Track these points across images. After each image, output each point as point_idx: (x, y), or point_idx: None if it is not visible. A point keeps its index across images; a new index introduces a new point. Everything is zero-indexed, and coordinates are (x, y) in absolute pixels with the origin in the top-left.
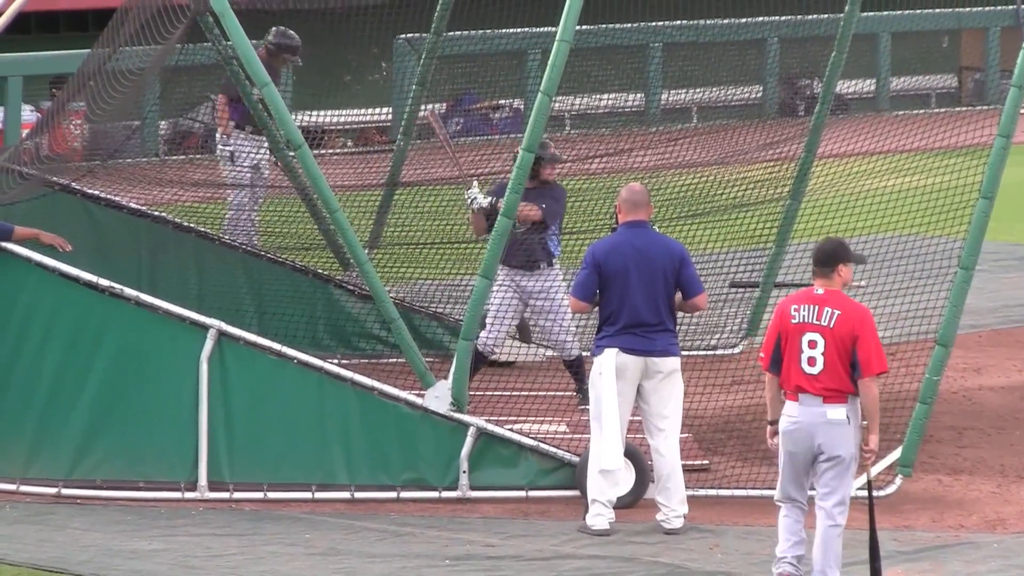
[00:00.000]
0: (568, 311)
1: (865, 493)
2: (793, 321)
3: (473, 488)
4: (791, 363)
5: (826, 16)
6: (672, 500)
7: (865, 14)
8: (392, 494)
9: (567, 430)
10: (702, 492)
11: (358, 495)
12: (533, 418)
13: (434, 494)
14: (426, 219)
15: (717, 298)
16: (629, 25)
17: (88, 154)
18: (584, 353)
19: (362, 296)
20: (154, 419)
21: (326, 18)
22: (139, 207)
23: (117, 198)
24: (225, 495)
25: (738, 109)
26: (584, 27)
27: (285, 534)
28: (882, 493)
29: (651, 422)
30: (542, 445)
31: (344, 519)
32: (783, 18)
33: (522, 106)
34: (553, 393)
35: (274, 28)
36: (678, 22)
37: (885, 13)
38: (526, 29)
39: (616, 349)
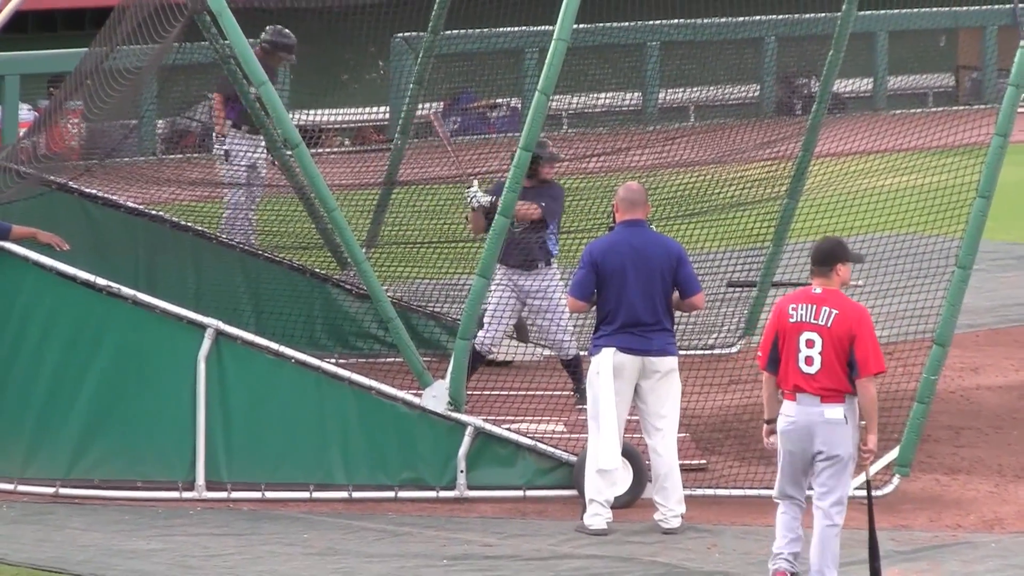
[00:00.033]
0: (566, 310)
1: (863, 493)
2: (791, 320)
3: (471, 488)
4: (789, 362)
5: (823, 15)
6: (670, 500)
7: (862, 13)
8: (390, 494)
9: (565, 430)
10: (700, 492)
11: (356, 495)
12: (531, 418)
13: (432, 494)
14: (423, 218)
15: (714, 297)
16: (626, 24)
17: (85, 153)
18: (582, 352)
19: (360, 295)
20: (152, 419)
21: (323, 17)
22: (137, 206)
23: (114, 197)
24: (223, 495)
25: (735, 108)
26: (581, 26)
27: (283, 534)
28: (880, 493)
29: (648, 422)
30: (540, 445)
31: (342, 519)
32: (780, 17)
33: (519, 105)
34: (551, 393)
35: (269, 27)
36: (675, 21)
37: (882, 12)
38: (523, 28)
39: (613, 348)
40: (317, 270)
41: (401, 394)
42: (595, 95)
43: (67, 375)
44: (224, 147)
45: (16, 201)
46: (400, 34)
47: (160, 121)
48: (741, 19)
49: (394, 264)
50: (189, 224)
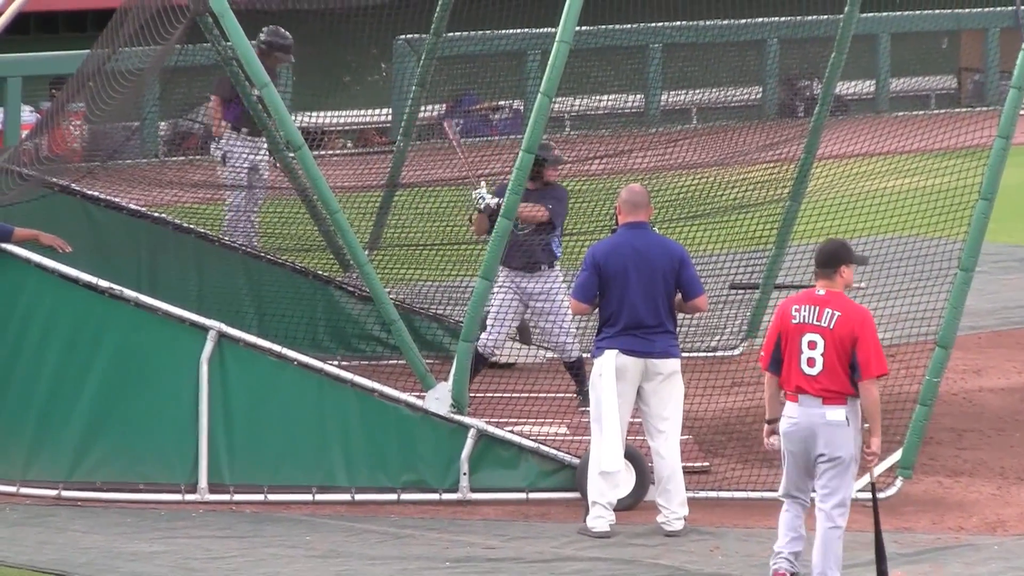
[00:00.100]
0: (568, 313)
1: (867, 495)
2: (793, 321)
3: (473, 490)
4: (791, 363)
5: (826, 17)
6: (672, 502)
7: (865, 15)
8: (392, 496)
9: (567, 432)
10: (702, 494)
11: (358, 497)
12: (533, 420)
13: (434, 496)
14: (426, 220)
15: (717, 299)
16: (629, 26)
17: (87, 155)
18: (584, 355)
19: (362, 297)
20: (154, 421)
21: (325, 19)
22: (139, 208)
23: (117, 199)
24: (225, 497)
25: (738, 110)
26: (584, 28)
27: (285, 536)
28: (882, 495)
29: (651, 424)
30: (542, 447)
31: (344, 521)
32: (783, 19)
33: (522, 107)
34: (553, 395)
35: (266, 27)
36: (678, 23)
37: (885, 14)
38: (526, 30)
39: (616, 351)
40: (320, 272)
41: (404, 396)
42: (598, 97)
43: (69, 377)
44: (222, 149)
45: (18, 203)
46: (402, 36)
47: (162, 123)
48: (743, 21)
49: (397, 266)
50: (191, 226)
